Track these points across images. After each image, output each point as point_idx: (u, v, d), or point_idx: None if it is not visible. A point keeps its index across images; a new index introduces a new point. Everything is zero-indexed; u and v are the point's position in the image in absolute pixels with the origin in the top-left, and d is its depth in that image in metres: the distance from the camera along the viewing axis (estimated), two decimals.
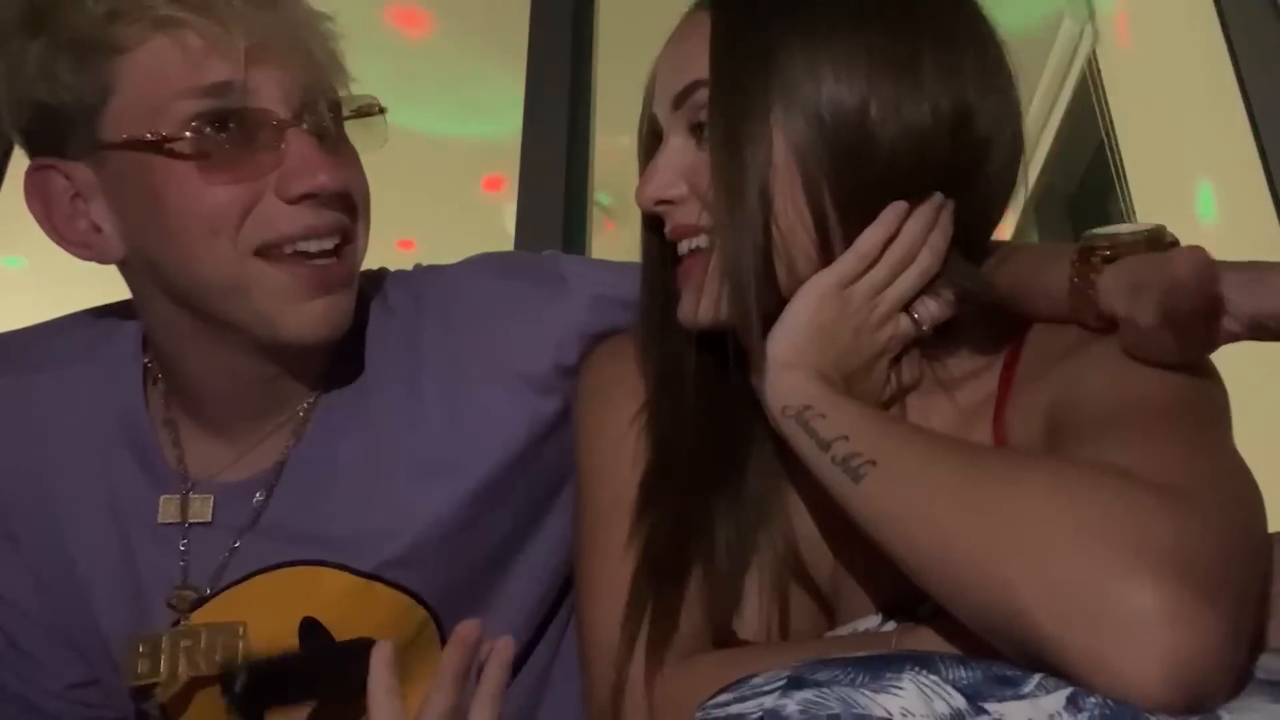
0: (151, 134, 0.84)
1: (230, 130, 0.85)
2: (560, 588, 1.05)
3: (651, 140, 0.89)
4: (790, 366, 0.79)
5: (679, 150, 0.84)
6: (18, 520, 0.97)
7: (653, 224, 0.88)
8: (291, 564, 0.95)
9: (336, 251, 0.90)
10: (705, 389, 0.88)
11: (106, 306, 1.02)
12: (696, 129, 0.83)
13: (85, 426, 0.97)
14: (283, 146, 0.86)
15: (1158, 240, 0.79)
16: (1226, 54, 2.06)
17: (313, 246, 0.88)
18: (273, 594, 0.95)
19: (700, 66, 0.82)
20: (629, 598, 0.82)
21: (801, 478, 0.83)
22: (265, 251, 0.87)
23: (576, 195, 2.05)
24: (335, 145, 0.90)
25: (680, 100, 0.83)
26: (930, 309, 0.83)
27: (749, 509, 0.86)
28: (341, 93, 0.92)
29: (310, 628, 0.95)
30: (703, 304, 0.83)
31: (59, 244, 0.90)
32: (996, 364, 0.86)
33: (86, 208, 0.88)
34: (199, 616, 0.95)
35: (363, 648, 0.82)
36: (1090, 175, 2.59)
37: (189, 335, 0.92)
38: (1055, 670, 0.58)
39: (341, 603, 0.95)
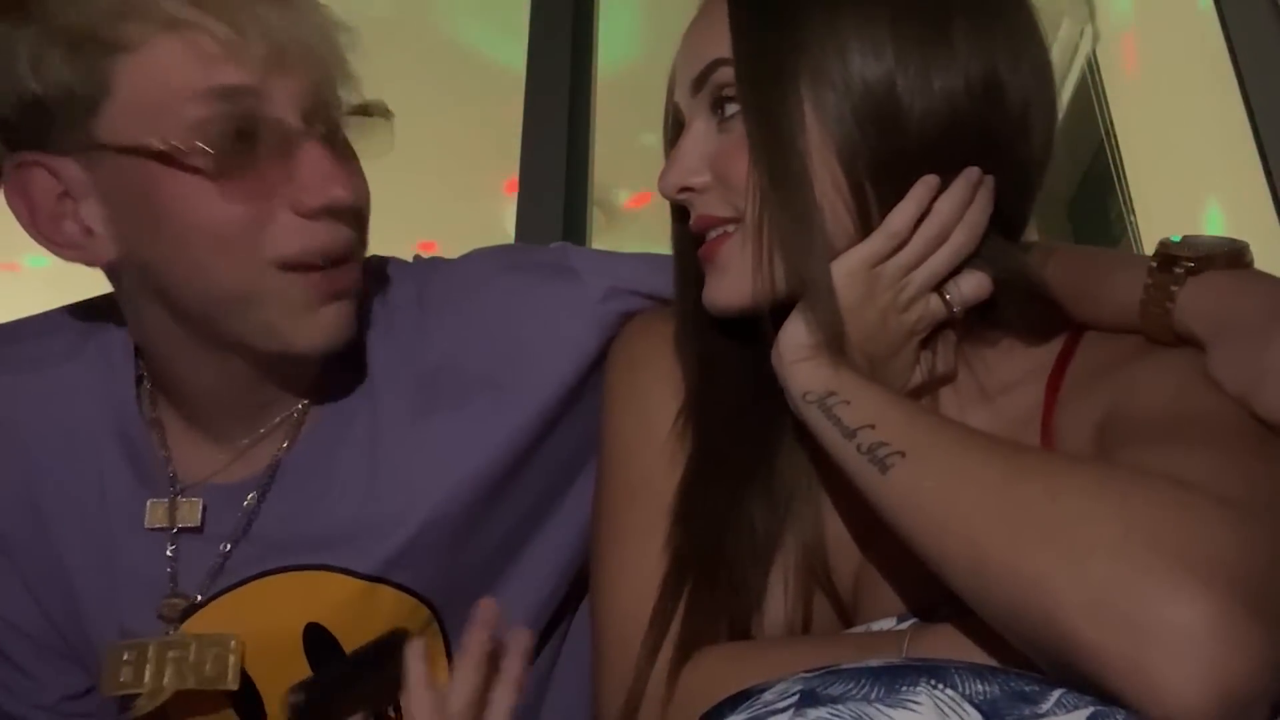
0: (159, 141, 0.80)
1: (242, 138, 0.81)
2: (564, 588, 1.04)
3: (675, 131, 0.87)
4: (812, 352, 0.77)
5: (701, 136, 0.82)
6: (6, 528, 0.94)
7: (680, 213, 0.87)
8: (289, 569, 0.93)
9: (344, 259, 0.88)
10: (738, 377, 0.87)
11: (92, 301, 0.99)
12: (718, 108, 0.82)
13: (73, 428, 0.94)
14: (297, 156, 0.83)
15: (1239, 255, 0.78)
16: (1227, 54, 2.06)
17: (325, 261, 0.85)
18: (269, 600, 0.93)
19: (720, 46, 0.80)
20: (659, 594, 0.80)
21: (828, 470, 0.81)
22: (283, 264, 0.84)
23: (576, 195, 2.04)
24: (345, 153, 0.88)
25: (700, 82, 0.82)
26: (962, 289, 0.80)
27: (778, 504, 0.84)
28: (354, 99, 0.89)
29: (316, 635, 0.93)
30: (730, 286, 0.81)
31: (43, 245, 0.86)
32: (1044, 370, 0.83)
33: (75, 207, 0.84)
34: (190, 626, 0.93)
35: (396, 643, 0.81)
36: (1090, 176, 2.58)
37: (180, 341, 0.89)
38: (1084, 678, 0.57)
39: (345, 607, 0.94)
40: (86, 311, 0.99)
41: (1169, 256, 0.77)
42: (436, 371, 0.96)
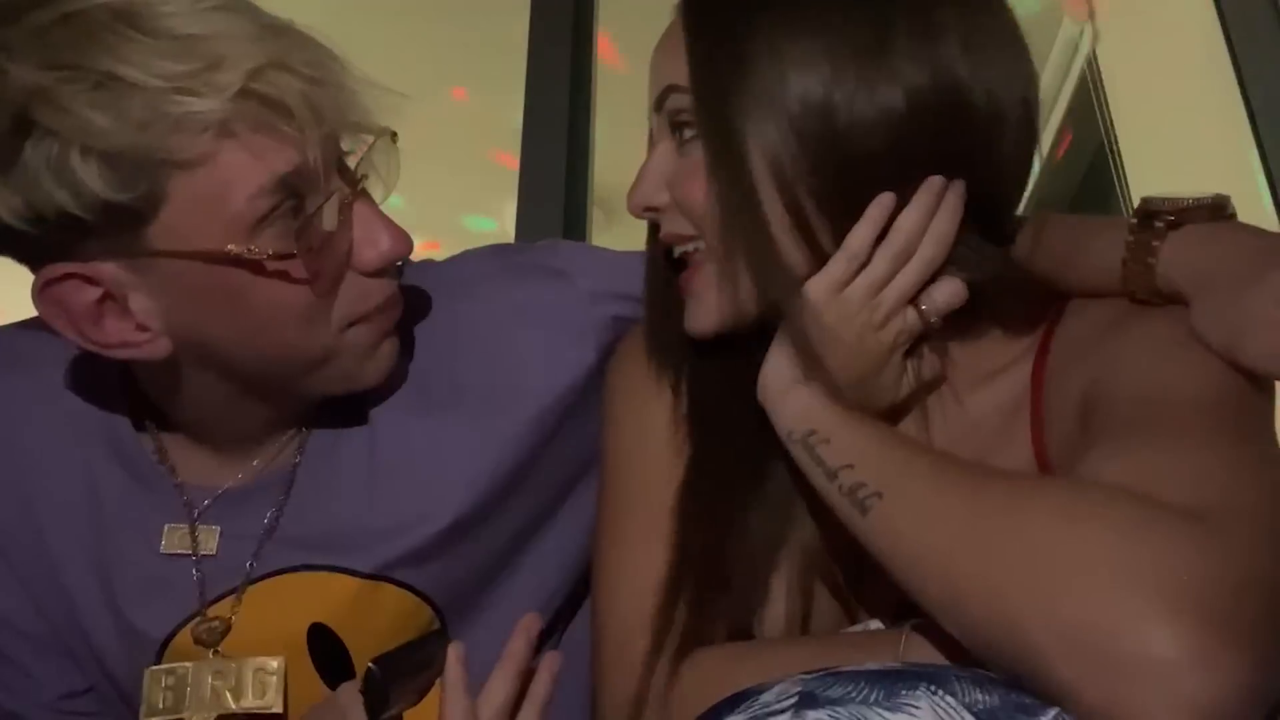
0: (231, 247, 0.77)
1: (303, 215, 0.79)
2: (566, 588, 1.05)
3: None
4: (793, 385, 0.77)
5: (662, 156, 0.82)
6: (4, 532, 0.94)
7: (655, 229, 0.87)
8: (294, 570, 0.93)
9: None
10: (721, 388, 0.87)
11: None
12: (676, 131, 0.82)
13: (69, 436, 0.94)
14: (349, 218, 0.83)
15: (1221, 209, 0.77)
16: (1227, 54, 2.06)
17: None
18: (275, 601, 0.94)
19: (675, 71, 0.80)
20: (661, 596, 0.81)
21: None
22: (352, 322, 0.85)
23: (577, 195, 2.04)
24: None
25: (660, 103, 0.82)
26: (936, 299, 0.79)
27: (777, 506, 0.84)
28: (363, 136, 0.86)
29: (320, 634, 0.94)
30: (702, 312, 0.82)
31: (91, 350, 0.82)
32: (1031, 350, 0.83)
33: (117, 307, 0.80)
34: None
35: (439, 643, 0.82)
36: (1090, 175, 2.58)
37: (218, 395, 0.89)
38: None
39: (349, 606, 0.94)
40: None
41: (1149, 213, 0.76)
42: (430, 376, 0.96)
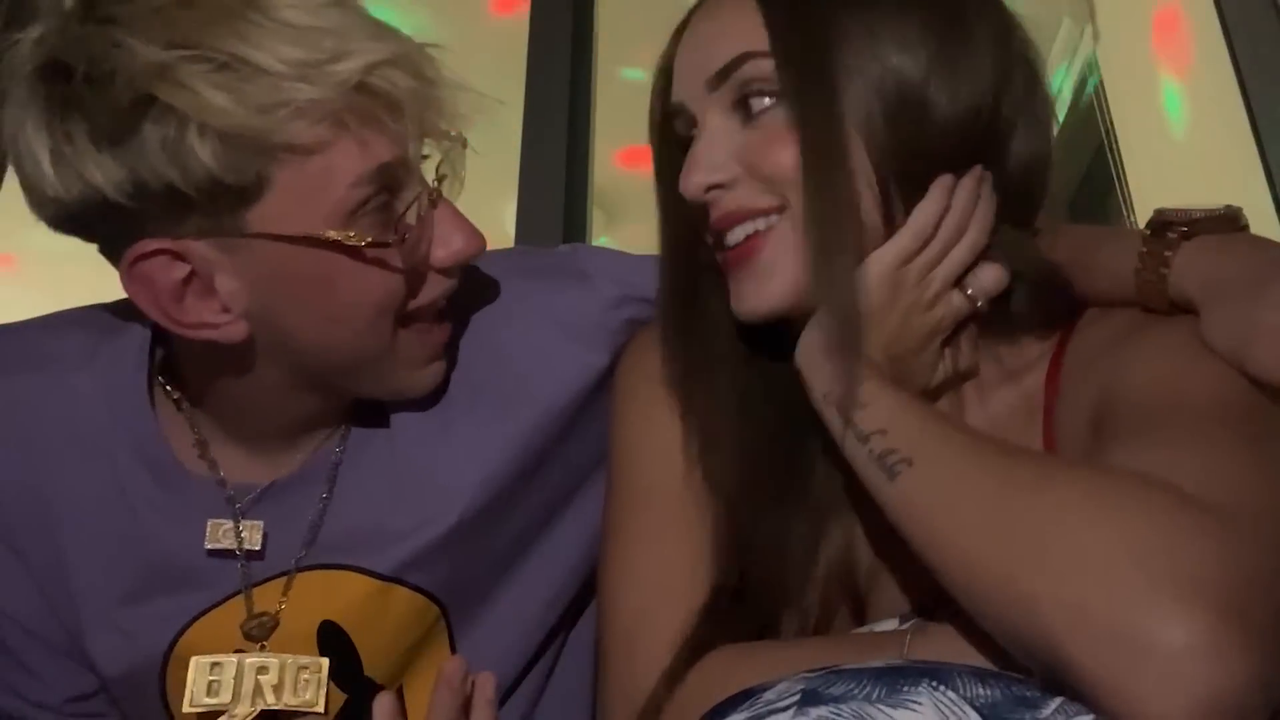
0: (329, 231, 0.79)
1: (393, 208, 0.82)
2: (571, 588, 1.05)
3: (665, 130, 0.87)
4: (834, 351, 0.77)
5: (723, 131, 0.82)
6: (22, 534, 0.94)
7: (676, 219, 0.87)
8: (314, 568, 0.94)
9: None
10: (750, 385, 0.87)
11: (107, 307, 0.98)
12: (742, 105, 0.81)
13: (87, 435, 0.94)
14: (433, 213, 0.85)
15: (1234, 220, 0.78)
16: (1227, 54, 2.06)
17: (436, 313, 0.89)
18: (293, 597, 0.94)
19: (747, 39, 0.80)
20: (701, 620, 0.80)
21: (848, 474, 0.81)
22: (404, 320, 0.86)
23: (577, 195, 2.04)
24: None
25: (722, 77, 0.81)
26: (983, 282, 0.81)
27: (816, 520, 0.84)
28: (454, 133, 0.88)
29: (330, 632, 0.94)
30: (772, 286, 0.81)
31: (168, 327, 0.84)
32: (1046, 356, 0.84)
33: (202, 286, 0.81)
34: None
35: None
36: (1090, 175, 2.58)
37: (272, 386, 0.89)
38: (1078, 694, 0.57)
39: (361, 606, 0.94)
40: (101, 315, 0.98)
41: (1163, 223, 0.78)
42: (449, 377, 0.96)
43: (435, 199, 0.85)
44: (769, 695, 0.58)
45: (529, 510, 0.99)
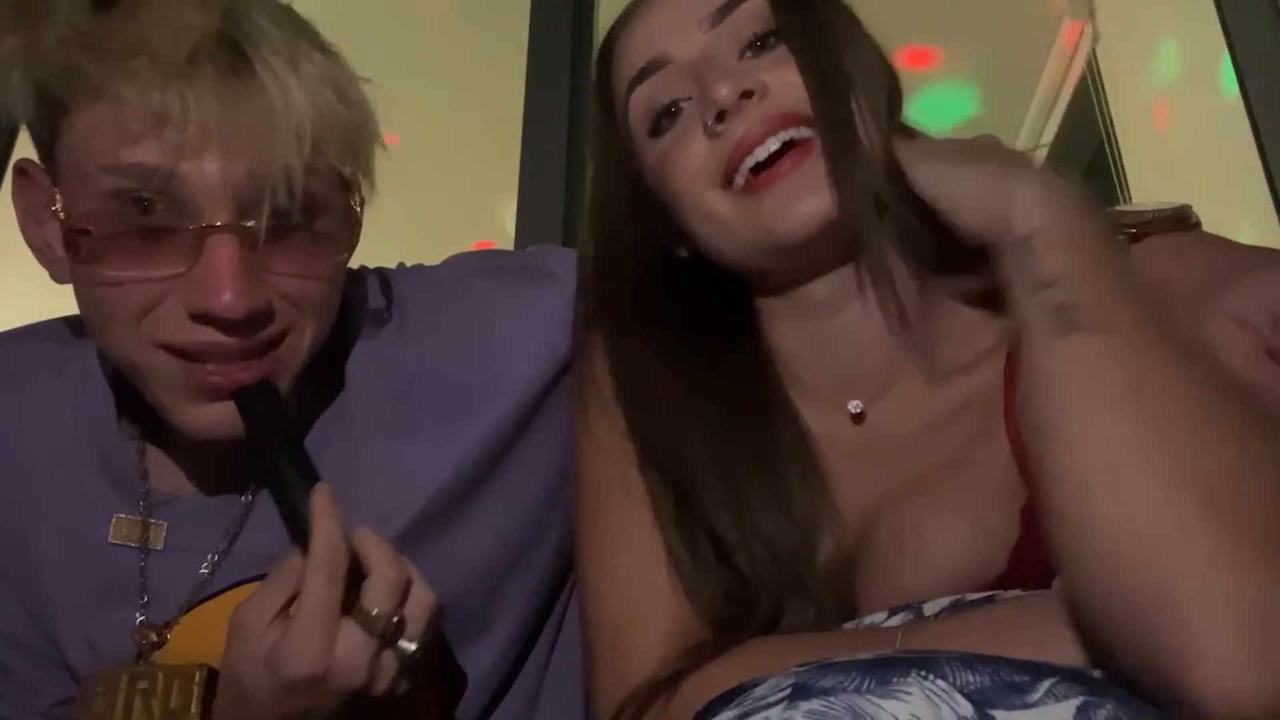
0: (68, 209, 0.79)
1: (149, 219, 0.78)
2: (556, 593, 1.04)
3: (610, 115, 0.90)
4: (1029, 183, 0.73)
5: (734, 58, 0.84)
6: (2, 552, 0.93)
7: (615, 224, 0.89)
8: (249, 581, 0.90)
9: (258, 353, 0.83)
10: (704, 391, 0.86)
11: (79, 316, 0.96)
12: (747, 43, 0.84)
13: (55, 444, 0.93)
14: (202, 251, 0.78)
15: (1184, 220, 0.78)
16: (1227, 54, 2.06)
17: (216, 358, 0.81)
18: (222, 616, 0.90)
19: None
20: (687, 613, 0.79)
21: (831, 465, 0.82)
22: (168, 349, 0.81)
23: (577, 195, 2.04)
24: (289, 243, 0.82)
25: (724, 13, 0.84)
26: None
27: (799, 523, 0.82)
28: (345, 169, 0.83)
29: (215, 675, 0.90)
30: (826, 198, 0.80)
31: (28, 245, 0.86)
32: (1005, 345, 0.83)
33: (53, 221, 0.83)
34: (172, 637, 0.92)
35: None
36: (1090, 175, 2.58)
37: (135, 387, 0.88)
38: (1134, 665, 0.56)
39: None
40: (73, 325, 0.98)
41: (1113, 225, 0.77)
42: (413, 377, 0.95)
43: (212, 234, 0.78)
44: (759, 690, 0.57)
45: (505, 509, 0.97)
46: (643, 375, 0.87)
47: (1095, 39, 2.59)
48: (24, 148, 0.87)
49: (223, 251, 0.78)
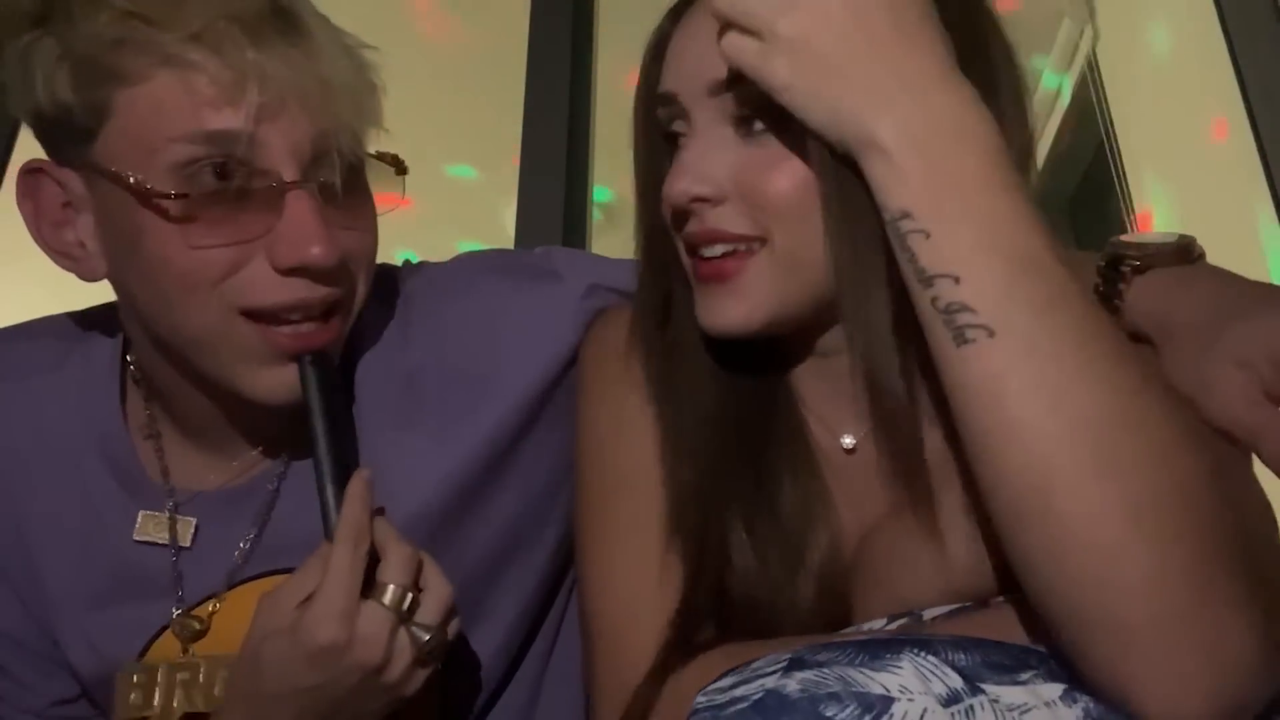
0: (139, 177, 0.79)
1: (224, 184, 0.79)
2: (555, 587, 1.05)
3: (648, 116, 0.82)
4: None
5: (721, 144, 0.77)
6: (1, 552, 0.94)
7: (655, 221, 0.83)
8: (279, 572, 0.92)
9: (324, 317, 0.85)
10: (722, 392, 0.85)
11: (83, 312, 0.99)
12: (743, 121, 0.76)
13: (53, 438, 0.94)
14: (282, 209, 0.81)
15: (1187, 251, 0.77)
16: (1227, 54, 2.06)
17: (298, 315, 0.84)
18: (250, 605, 0.91)
19: None
20: (680, 619, 0.78)
21: (830, 475, 0.81)
22: (250, 313, 0.82)
23: (577, 195, 2.05)
24: (347, 200, 0.85)
25: (721, 88, 0.76)
26: None
27: (792, 518, 0.82)
28: (371, 130, 0.86)
29: None
30: (746, 309, 0.77)
31: (44, 251, 0.85)
32: None
33: (75, 219, 0.84)
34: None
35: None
36: (1090, 175, 2.59)
37: (166, 366, 0.89)
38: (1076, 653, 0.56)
39: None
40: (75, 321, 0.99)
41: (1116, 256, 0.77)
42: (419, 374, 0.96)
43: (291, 190, 0.81)
44: (758, 664, 0.59)
45: (508, 505, 0.98)
46: (677, 370, 0.86)
47: (1095, 39, 2.60)
48: (24, 148, 0.87)
49: (306, 205, 0.81)
